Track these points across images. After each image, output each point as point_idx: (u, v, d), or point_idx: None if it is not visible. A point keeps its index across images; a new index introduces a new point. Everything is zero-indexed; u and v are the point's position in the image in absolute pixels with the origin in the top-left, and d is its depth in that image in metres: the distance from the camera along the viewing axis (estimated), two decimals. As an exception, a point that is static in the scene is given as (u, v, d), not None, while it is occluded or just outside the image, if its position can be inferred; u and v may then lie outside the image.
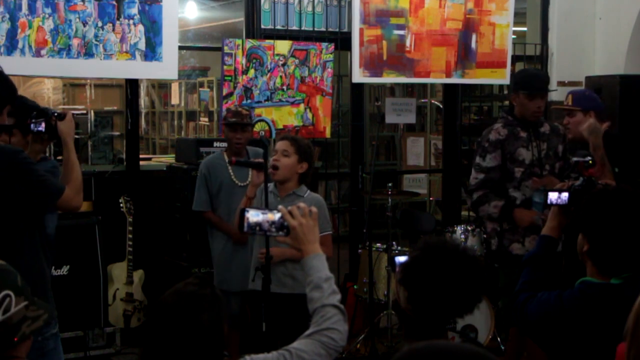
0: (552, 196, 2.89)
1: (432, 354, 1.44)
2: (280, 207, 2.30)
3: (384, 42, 6.14)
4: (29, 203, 3.07)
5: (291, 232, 2.26)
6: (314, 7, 6.16)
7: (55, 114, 3.31)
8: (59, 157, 3.62)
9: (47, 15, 5.05)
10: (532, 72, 5.90)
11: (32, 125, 3.27)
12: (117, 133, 7.49)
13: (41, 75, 7.23)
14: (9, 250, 2.97)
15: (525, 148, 4.76)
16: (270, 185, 4.17)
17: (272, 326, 3.84)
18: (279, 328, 3.89)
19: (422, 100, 9.35)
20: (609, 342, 2.12)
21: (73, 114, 3.41)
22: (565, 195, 2.88)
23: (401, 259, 2.35)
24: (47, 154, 4.15)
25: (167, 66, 5.45)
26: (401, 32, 6.19)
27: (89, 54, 5.20)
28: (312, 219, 2.28)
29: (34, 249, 3.12)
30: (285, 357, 2.11)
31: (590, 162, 3.88)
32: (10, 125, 3.20)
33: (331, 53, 6.01)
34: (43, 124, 3.28)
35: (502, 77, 6.63)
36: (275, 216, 2.26)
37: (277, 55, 5.81)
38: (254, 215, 2.26)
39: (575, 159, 4.34)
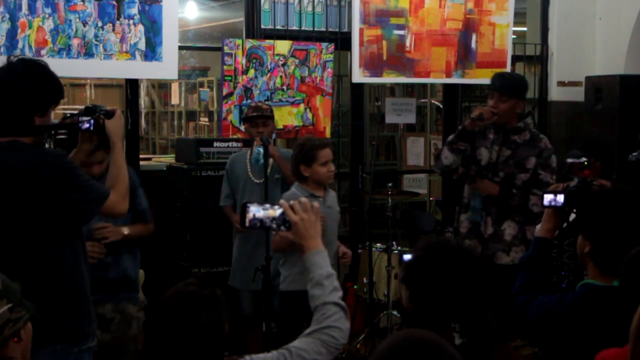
0: (548, 198, 2.88)
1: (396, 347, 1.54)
2: (281, 201, 2.29)
3: (384, 42, 6.14)
4: (71, 209, 2.88)
5: (292, 228, 2.26)
6: (314, 7, 6.15)
7: (103, 112, 3.07)
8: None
9: (47, 15, 5.05)
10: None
11: (80, 124, 3.05)
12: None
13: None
14: (49, 257, 2.87)
15: (487, 149, 4.59)
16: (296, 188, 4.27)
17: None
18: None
19: (422, 100, 9.34)
20: (611, 345, 2.12)
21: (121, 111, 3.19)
22: (560, 197, 2.86)
23: (408, 257, 2.36)
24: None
25: (167, 66, 5.44)
26: (401, 32, 6.19)
27: (89, 54, 5.19)
28: (313, 214, 2.28)
29: (75, 256, 2.96)
30: (285, 357, 2.10)
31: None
32: (57, 125, 3.07)
33: (331, 53, 6.01)
34: (92, 122, 3.04)
35: (502, 77, 6.62)
36: (277, 212, 2.26)
37: (277, 55, 5.81)
38: (255, 211, 2.26)
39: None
